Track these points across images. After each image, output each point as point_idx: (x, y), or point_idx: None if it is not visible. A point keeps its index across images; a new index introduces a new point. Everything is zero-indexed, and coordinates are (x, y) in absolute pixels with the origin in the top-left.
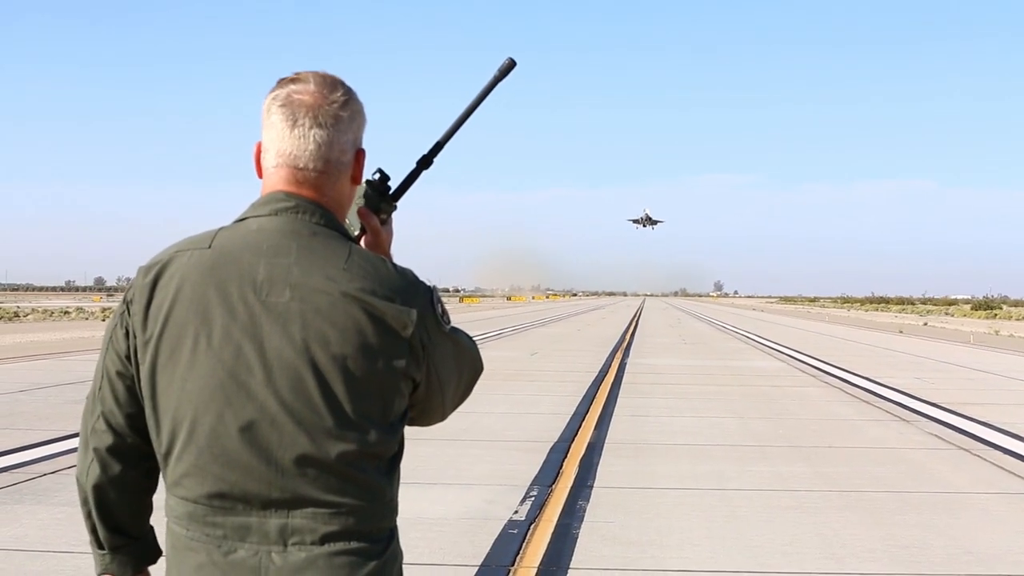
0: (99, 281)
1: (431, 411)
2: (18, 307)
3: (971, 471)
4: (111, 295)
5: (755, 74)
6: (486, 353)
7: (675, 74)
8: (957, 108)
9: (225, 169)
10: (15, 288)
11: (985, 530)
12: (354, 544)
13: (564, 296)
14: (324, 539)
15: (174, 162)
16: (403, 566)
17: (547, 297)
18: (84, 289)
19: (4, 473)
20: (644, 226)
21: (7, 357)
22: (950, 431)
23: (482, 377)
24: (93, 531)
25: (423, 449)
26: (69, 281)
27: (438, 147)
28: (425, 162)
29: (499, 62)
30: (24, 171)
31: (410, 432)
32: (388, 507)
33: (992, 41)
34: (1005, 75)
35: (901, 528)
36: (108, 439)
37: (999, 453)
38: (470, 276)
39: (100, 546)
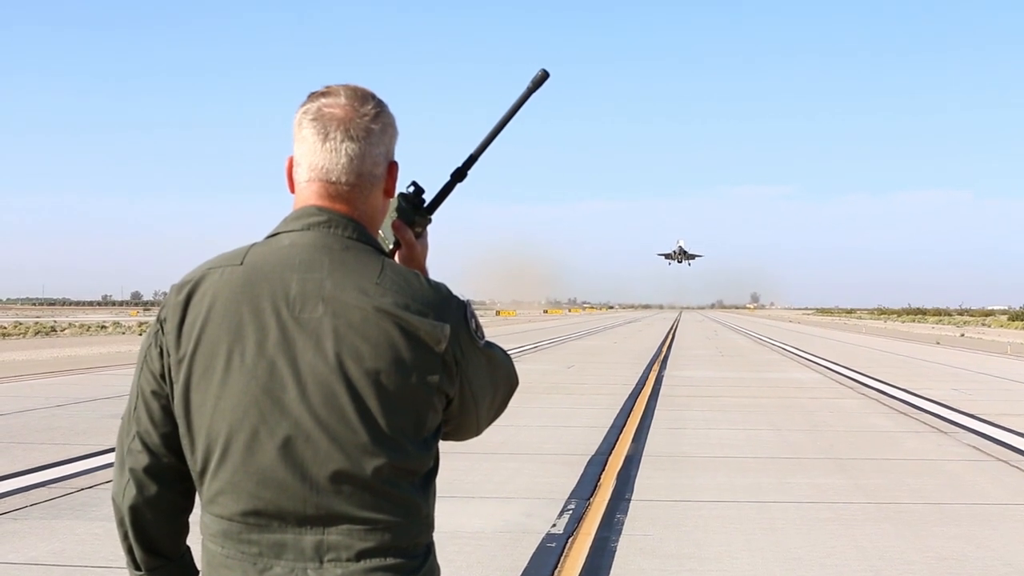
0: (136, 295)
1: (465, 427)
2: (55, 321)
3: (1010, 483)
4: (148, 309)
5: (791, 85)
6: (522, 366)
7: (709, 86)
8: (994, 118)
9: (260, 182)
10: (52, 302)
11: None
12: (390, 560)
13: (601, 309)
14: (360, 555)
15: (211, 176)
16: None
17: (584, 310)
18: (121, 303)
19: (42, 488)
20: (679, 261)
21: (44, 372)
22: (988, 443)
23: (519, 390)
24: (130, 552)
25: (461, 463)
26: (106, 295)
27: (472, 160)
28: (459, 175)
29: (532, 74)
30: (61, 185)
31: (448, 446)
32: (424, 523)
33: None
34: None
35: (939, 540)
36: (144, 459)
37: None
38: (497, 289)
39: (137, 567)
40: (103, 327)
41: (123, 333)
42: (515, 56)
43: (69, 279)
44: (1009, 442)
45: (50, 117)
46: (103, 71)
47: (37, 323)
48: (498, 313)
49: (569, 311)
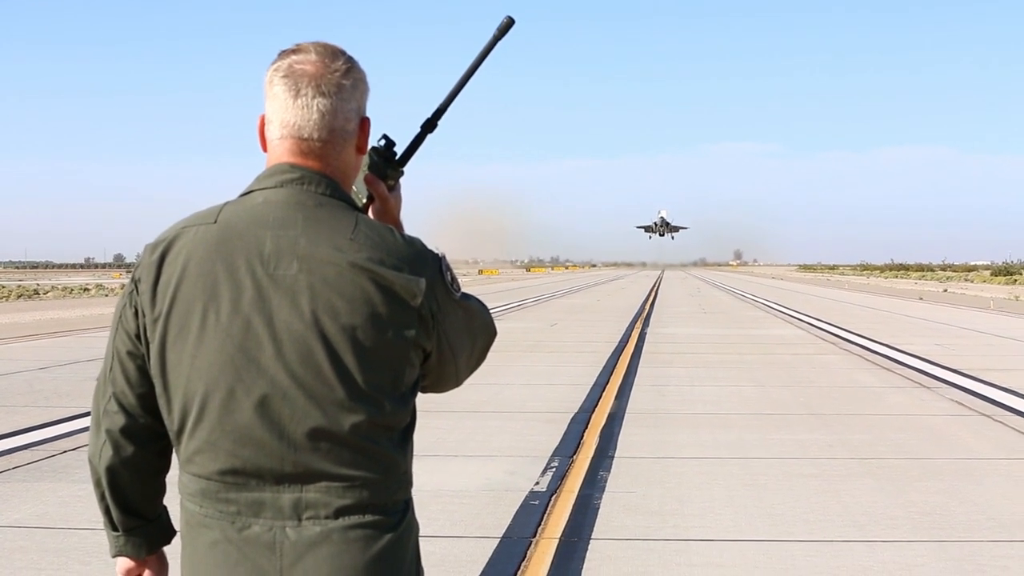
0: (118, 258)
1: (444, 379)
2: (37, 284)
3: (993, 437)
4: (130, 271)
5: (772, 42)
6: (505, 325)
7: (690, 42)
8: (975, 73)
9: (239, 143)
10: (34, 265)
11: (1008, 496)
12: (369, 517)
13: (583, 267)
14: (338, 513)
15: (191, 138)
16: (423, 538)
17: (566, 268)
18: (103, 266)
19: (25, 451)
20: (660, 234)
21: (27, 335)
22: (971, 397)
23: (502, 349)
24: (107, 513)
25: (444, 421)
26: (88, 258)
27: (441, 110)
28: (429, 125)
29: (498, 22)
30: (42, 148)
31: (430, 404)
32: (402, 479)
33: (1010, 5)
34: None
35: (923, 495)
36: (120, 420)
37: (1021, 419)
38: (477, 248)
39: (114, 528)
40: (86, 289)
41: (106, 295)
42: (482, 9)
43: (51, 242)
44: (991, 396)
45: (31, 81)
46: (86, 36)
47: (19, 286)
48: (480, 272)
49: (552, 269)
